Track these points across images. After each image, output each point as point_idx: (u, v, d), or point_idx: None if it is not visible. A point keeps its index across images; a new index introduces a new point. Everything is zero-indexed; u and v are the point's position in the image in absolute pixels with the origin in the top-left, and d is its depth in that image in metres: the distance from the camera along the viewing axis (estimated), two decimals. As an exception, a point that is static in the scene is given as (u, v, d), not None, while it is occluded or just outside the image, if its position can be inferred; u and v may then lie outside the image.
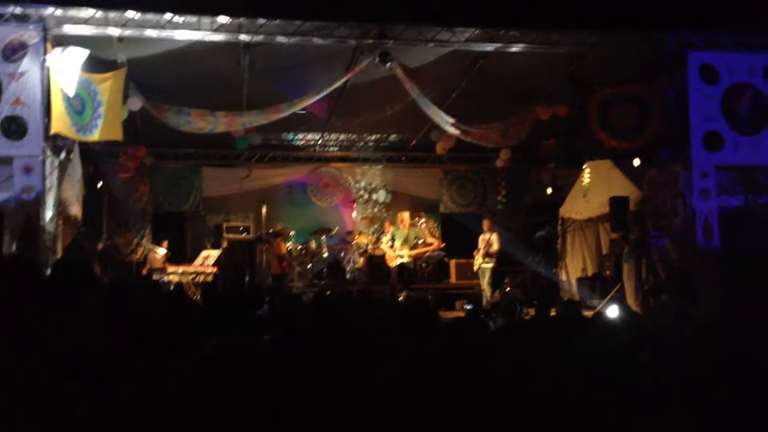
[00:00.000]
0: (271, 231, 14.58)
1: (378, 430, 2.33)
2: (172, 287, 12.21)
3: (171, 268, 12.70)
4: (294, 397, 2.16)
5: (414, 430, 2.31)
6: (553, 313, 7.97)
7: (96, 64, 9.79)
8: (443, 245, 14.00)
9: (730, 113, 10.60)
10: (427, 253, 13.32)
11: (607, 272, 13.51)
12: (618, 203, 11.91)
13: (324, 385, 2.42)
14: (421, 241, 13.05)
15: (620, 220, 11.90)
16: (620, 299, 11.12)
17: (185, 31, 9.70)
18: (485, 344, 3.69)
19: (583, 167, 13.64)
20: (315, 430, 2.23)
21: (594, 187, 13.32)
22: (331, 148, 16.62)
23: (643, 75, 11.34)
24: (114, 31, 9.50)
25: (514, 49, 10.59)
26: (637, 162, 12.01)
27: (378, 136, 15.93)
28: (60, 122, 9.26)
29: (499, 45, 10.49)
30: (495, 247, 12.76)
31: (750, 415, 3.01)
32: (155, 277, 12.46)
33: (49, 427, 2.23)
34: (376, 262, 14.19)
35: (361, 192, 16.99)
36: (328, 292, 11.66)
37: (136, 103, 10.43)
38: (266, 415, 2.00)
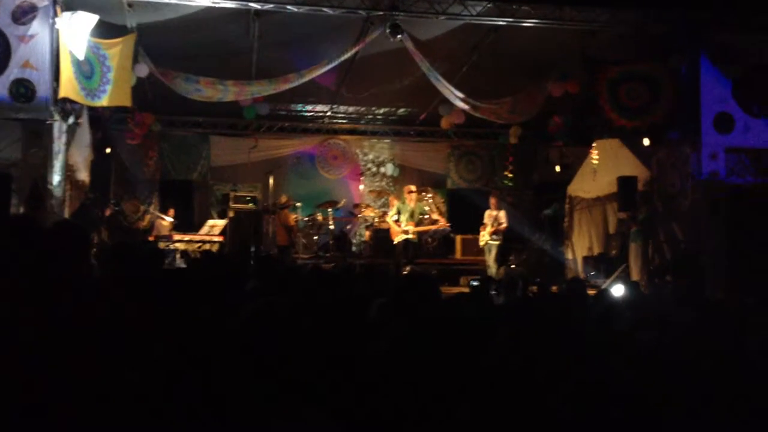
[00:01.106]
0: (275, 203, 14.60)
1: (369, 402, 2.35)
2: (178, 255, 12.30)
3: (177, 236, 12.76)
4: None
5: (403, 404, 2.32)
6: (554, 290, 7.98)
7: (106, 30, 9.75)
8: (449, 225, 14.01)
9: (742, 95, 10.51)
10: (432, 229, 13.31)
11: (613, 252, 13.48)
12: (626, 183, 11.86)
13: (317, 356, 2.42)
14: (426, 217, 13.01)
15: (628, 200, 11.86)
16: (625, 279, 11.11)
17: (195, -2, 9.64)
18: (483, 320, 3.69)
19: (592, 145, 13.56)
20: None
21: (602, 166, 13.25)
22: (340, 121, 16.57)
23: (655, 54, 11.22)
24: (124, -4, 9.47)
25: (526, 24, 10.50)
26: (646, 142, 11.92)
27: (387, 109, 15.87)
28: (69, 86, 9.25)
29: (510, 19, 10.41)
30: (503, 223, 12.71)
31: (748, 398, 3.01)
32: (161, 244, 12.52)
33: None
34: (381, 236, 14.18)
35: (369, 165, 16.99)
36: (332, 265, 11.69)
37: (142, 70, 10.37)
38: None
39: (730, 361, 3.41)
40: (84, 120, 11.13)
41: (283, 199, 14.72)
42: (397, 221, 12.52)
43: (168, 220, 14.00)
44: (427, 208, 13.61)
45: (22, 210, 9.42)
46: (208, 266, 5.79)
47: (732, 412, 2.91)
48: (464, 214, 14.87)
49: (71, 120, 10.01)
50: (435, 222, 13.32)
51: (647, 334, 4.12)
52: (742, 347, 3.84)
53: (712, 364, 3.32)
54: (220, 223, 13.21)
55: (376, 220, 14.98)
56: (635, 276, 11.47)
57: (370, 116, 16.41)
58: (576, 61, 11.50)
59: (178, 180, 15.72)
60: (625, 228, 12.64)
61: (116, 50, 9.84)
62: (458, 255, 14.80)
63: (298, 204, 15.09)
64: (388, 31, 10.10)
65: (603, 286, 10.73)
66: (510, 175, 16.74)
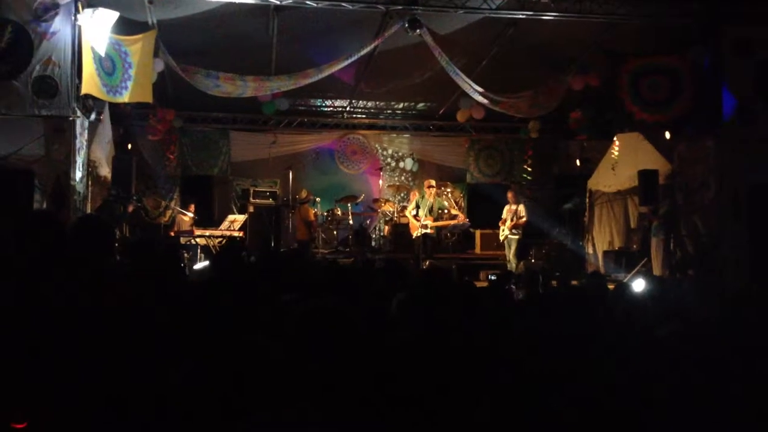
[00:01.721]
0: (295, 198, 14.65)
1: (386, 393, 2.35)
2: (199, 250, 12.39)
3: (198, 232, 12.82)
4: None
5: (420, 399, 2.33)
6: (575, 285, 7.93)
7: (127, 26, 9.82)
8: (467, 220, 13.97)
9: (763, 87, 10.39)
10: (451, 224, 13.29)
11: (634, 246, 13.40)
12: (647, 177, 11.76)
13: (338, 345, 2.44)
14: (445, 212, 12.99)
15: (649, 194, 11.77)
16: (646, 273, 11.04)
17: (215, -6, 9.69)
18: (502, 315, 3.69)
19: (613, 139, 13.46)
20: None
21: (623, 160, 13.16)
22: (359, 116, 16.58)
23: (675, 46, 11.13)
24: (145, -8, 9.53)
25: (546, 17, 10.44)
26: (667, 135, 11.83)
27: (406, 104, 15.87)
28: (90, 83, 9.32)
29: (530, 13, 10.35)
30: (524, 217, 12.62)
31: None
32: (183, 239, 12.60)
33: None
34: (401, 231, 14.20)
35: (389, 160, 16.98)
36: (352, 259, 11.71)
37: (158, 65, 10.43)
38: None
39: (751, 354, 3.39)
40: (106, 116, 11.21)
41: (303, 194, 14.78)
42: (416, 216, 12.51)
43: (189, 215, 14.10)
44: (446, 203, 13.58)
45: (45, 206, 9.49)
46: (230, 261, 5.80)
47: (751, 406, 2.89)
48: (484, 208, 14.83)
49: (93, 116, 10.10)
50: (454, 217, 13.29)
51: (668, 328, 4.09)
52: (764, 341, 3.81)
53: (733, 358, 3.30)
54: (241, 218, 13.27)
55: (396, 214, 14.99)
56: (657, 270, 11.40)
57: (389, 111, 16.41)
58: (596, 55, 11.43)
59: (199, 176, 15.79)
60: (646, 222, 12.55)
61: (137, 47, 9.89)
62: (478, 250, 14.76)
63: (318, 199, 15.13)
64: (407, 25, 10.09)
65: (624, 281, 10.69)
66: (529, 170, 16.69)
